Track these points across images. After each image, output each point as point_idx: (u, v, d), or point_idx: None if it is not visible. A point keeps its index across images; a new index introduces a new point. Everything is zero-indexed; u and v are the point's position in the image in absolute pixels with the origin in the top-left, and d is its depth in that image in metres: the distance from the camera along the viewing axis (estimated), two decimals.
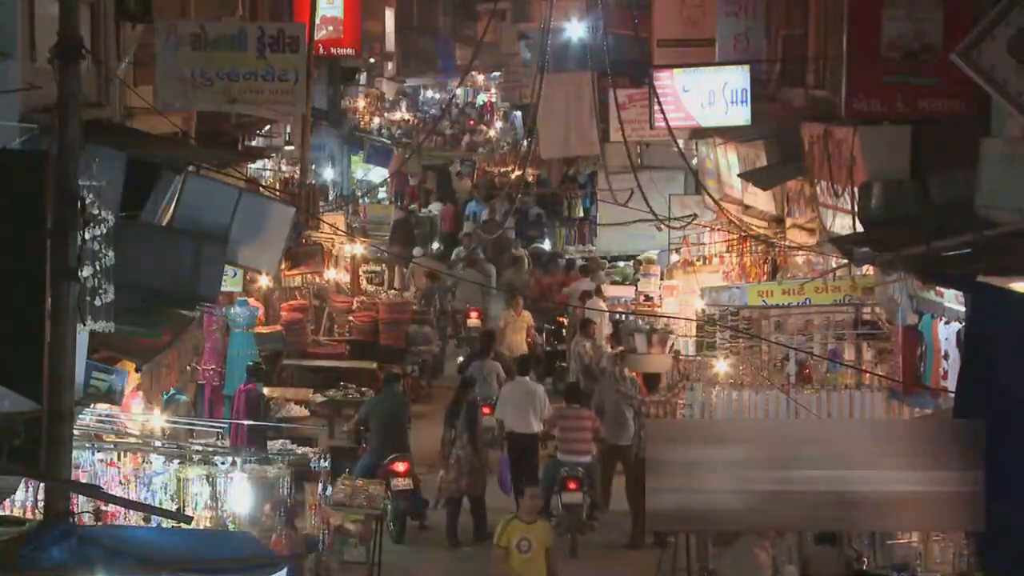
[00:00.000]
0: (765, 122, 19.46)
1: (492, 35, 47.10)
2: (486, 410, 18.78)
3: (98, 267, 9.88)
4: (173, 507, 12.34)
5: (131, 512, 11.63)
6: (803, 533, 13.38)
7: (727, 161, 21.10)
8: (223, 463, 12.83)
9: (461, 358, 24.90)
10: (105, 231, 9.82)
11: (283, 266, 20.56)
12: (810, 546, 13.46)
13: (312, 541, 14.27)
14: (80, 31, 9.15)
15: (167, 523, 10.23)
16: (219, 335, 20.13)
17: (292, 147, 27.66)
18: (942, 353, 12.80)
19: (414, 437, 18.45)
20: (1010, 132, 12.47)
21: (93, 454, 12.34)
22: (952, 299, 12.07)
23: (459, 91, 52.92)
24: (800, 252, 17.82)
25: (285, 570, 9.25)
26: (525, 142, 31.42)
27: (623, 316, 23.50)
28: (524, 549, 13.94)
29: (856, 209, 14.42)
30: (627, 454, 17.72)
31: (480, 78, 60.52)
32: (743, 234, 19.57)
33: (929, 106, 14.02)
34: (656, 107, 20.67)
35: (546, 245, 34.02)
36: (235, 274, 18.70)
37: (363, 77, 40.09)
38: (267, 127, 24.97)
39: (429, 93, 58.99)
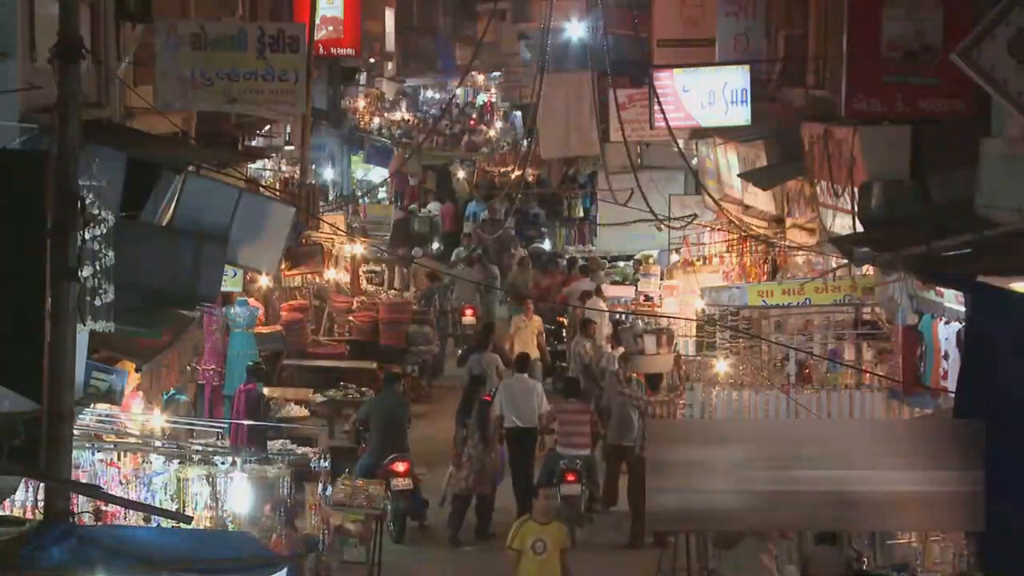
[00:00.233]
0: (765, 122, 19.46)
1: (492, 35, 47.08)
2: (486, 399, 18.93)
3: (98, 267, 9.88)
4: (173, 507, 12.33)
5: (131, 512, 11.63)
6: (803, 533, 13.40)
7: (727, 161, 21.10)
8: (223, 463, 12.82)
9: (460, 351, 25.06)
10: (105, 231, 9.82)
11: (283, 266, 20.56)
12: (810, 546, 13.47)
13: (312, 541, 14.26)
14: (80, 31, 9.15)
15: (167, 523, 10.22)
16: (219, 335, 20.13)
17: (292, 147, 27.65)
18: (942, 353, 12.80)
19: (414, 437, 18.46)
20: (1010, 132, 12.47)
21: (93, 454, 12.34)
22: (952, 299, 12.07)
23: (459, 91, 52.89)
24: (800, 252, 17.82)
25: (285, 570, 9.25)
26: (525, 142, 31.42)
27: (623, 316, 23.50)
28: (539, 551, 13.79)
29: (856, 209, 14.41)
30: (631, 454, 17.76)
31: (480, 78, 60.49)
32: (743, 234, 19.57)
33: (929, 106, 14.02)
34: (656, 107, 20.68)
35: (546, 245, 34.04)
36: (235, 274, 18.69)
37: (363, 77, 40.06)
38: (267, 127, 24.96)
39: (429, 93, 58.95)
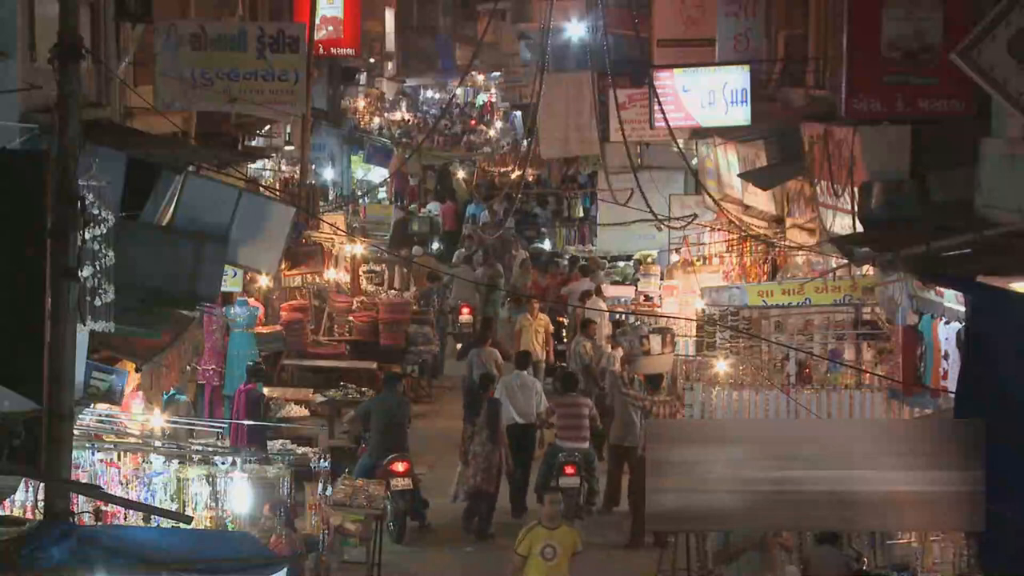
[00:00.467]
0: (765, 122, 19.46)
1: (492, 35, 47.09)
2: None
3: (98, 267, 9.89)
4: (173, 507, 12.33)
5: (131, 512, 11.63)
6: (803, 533, 13.39)
7: (727, 161, 21.09)
8: (223, 463, 12.82)
9: (459, 345, 25.14)
10: (105, 231, 9.83)
11: (283, 266, 20.56)
12: (810, 546, 13.47)
13: (312, 541, 14.26)
14: (80, 31, 9.15)
15: (167, 523, 10.22)
16: (219, 335, 20.13)
17: (292, 147, 27.66)
18: (942, 353, 12.80)
19: (414, 436, 18.46)
20: (1010, 132, 12.47)
21: (93, 454, 12.33)
22: (952, 299, 12.06)
23: (459, 91, 52.91)
24: (800, 252, 17.82)
25: (285, 570, 9.25)
26: (525, 142, 31.42)
27: (624, 316, 23.50)
28: (549, 556, 13.56)
29: (856, 209, 14.41)
30: (634, 455, 17.78)
31: (480, 78, 60.53)
32: (743, 234, 19.56)
33: (929, 106, 14.01)
34: (656, 107, 20.68)
35: (546, 245, 34.04)
36: (235, 274, 18.70)
37: (363, 77, 40.07)
38: (267, 127, 24.97)
39: (429, 93, 59.01)
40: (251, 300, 20.77)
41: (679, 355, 19.61)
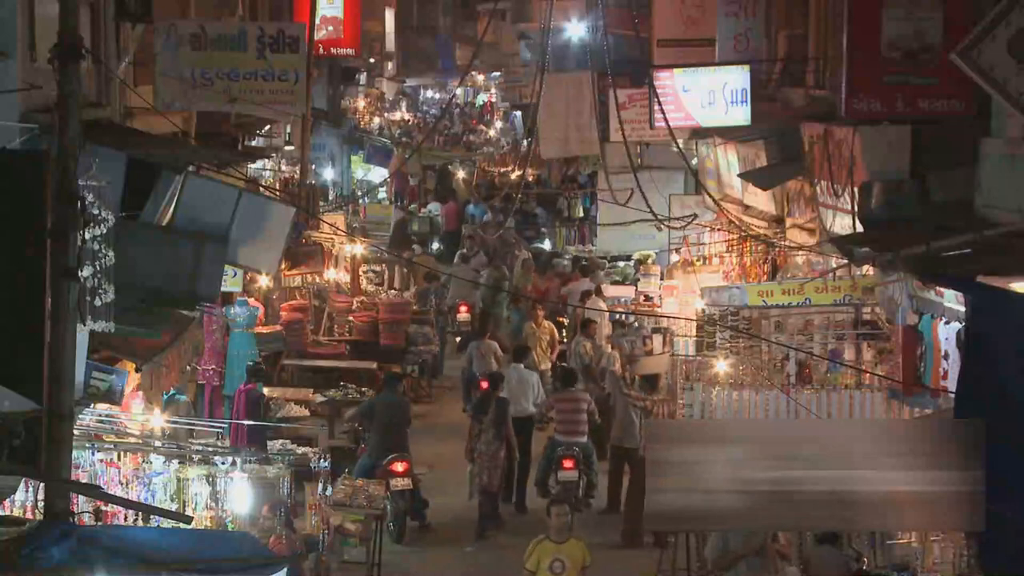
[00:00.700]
0: (765, 122, 19.45)
1: (492, 35, 47.09)
2: (484, 384, 19.21)
3: (98, 267, 9.89)
4: (173, 507, 12.33)
5: (131, 512, 11.63)
6: (803, 533, 13.39)
7: (727, 161, 21.09)
8: (223, 463, 12.83)
9: (459, 339, 25.20)
10: (105, 231, 9.83)
11: (283, 266, 20.56)
12: (810, 546, 13.46)
13: (312, 541, 14.27)
14: (80, 31, 9.14)
15: (167, 523, 10.22)
16: (219, 335, 20.13)
17: (292, 147, 27.66)
18: (942, 353, 12.79)
19: (413, 436, 18.47)
20: (1010, 132, 12.47)
21: (93, 454, 12.33)
22: (952, 299, 12.06)
23: (459, 91, 52.88)
24: (800, 252, 17.81)
25: (285, 570, 9.25)
26: (525, 142, 31.41)
27: (625, 317, 23.49)
28: (558, 571, 13.31)
29: (856, 209, 14.41)
30: (634, 456, 17.79)
31: (480, 78, 60.52)
32: (743, 234, 19.56)
33: (929, 106, 13.99)
34: (656, 107, 20.67)
35: (546, 245, 34.04)
36: (235, 274, 18.70)
37: (363, 77, 40.07)
38: (267, 127, 24.97)
39: (429, 93, 58.98)
40: (251, 300, 20.77)
41: (678, 355, 19.60)
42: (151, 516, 11.34)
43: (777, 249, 18.96)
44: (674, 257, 24.11)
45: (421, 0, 51.62)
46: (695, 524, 10.67)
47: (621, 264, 28.84)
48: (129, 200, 12.76)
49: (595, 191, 32.07)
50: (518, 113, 48.83)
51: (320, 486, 14.63)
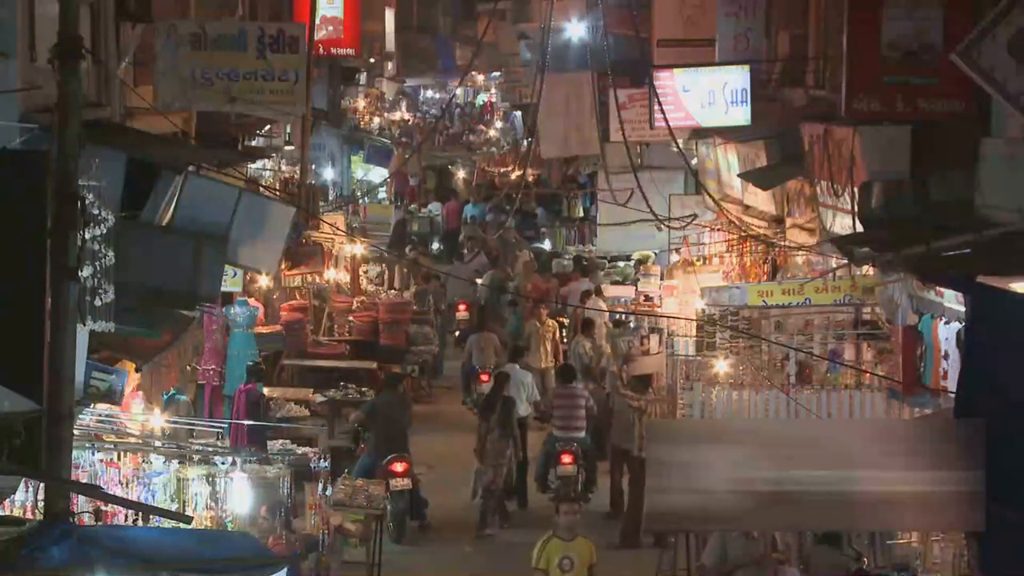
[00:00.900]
0: (765, 122, 19.46)
1: (492, 35, 47.04)
2: (484, 377, 19.19)
3: (98, 267, 9.89)
4: (173, 507, 12.33)
5: (131, 512, 11.63)
6: (803, 533, 13.38)
7: (727, 161, 21.09)
8: (223, 463, 12.82)
9: (458, 332, 25.23)
10: (105, 231, 9.83)
11: (283, 266, 20.56)
12: (810, 546, 13.45)
13: (312, 541, 14.26)
14: (80, 31, 9.14)
15: (167, 523, 10.22)
16: (219, 335, 20.14)
17: (292, 147, 27.66)
18: (942, 353, 12.79)
19: (413, 437, 18.48)
20: (1010, 132, 12.47)
21: (93, 454, 12.33)
22: (952, 299, 12.06)
23: (459, 91, 52.88)
24: (800, 252, 17.81)
25: (285, 570, 9.24)
26: (525, 142, 31.40)
27: (624, 317, 23.50)
28: (566, 568, 13.21)
29: (856, 209, 14.41)
30: (631, 457, 17.80)
31: (480, 78, 60.51)
32: (743, 234, 19.56)
33: (929, 106, 13.98)
34: (656, 107, 20.66)
35: (546, 245, 34.04)
36: (235, 274, 18.70)
37: (363, 77, 40.07)
38: (267, 127, 24.97)
39: (429, 93, 59.00)
40: (251, 300, 20.78)
41: (678, 355, 19.61)
42: (151, 516, 11.34)
43: (777, 249, 18.95)
44: (674, 257, 24.10)
45: (421, 0, 51.62)
46: (695, 524, 10.64)
47: (621, 264, 28.84)
48: (129, 200, 12.75)
49: (595, 191, 32.06)
50: (518, 113, 48.83)
51: (320, 486, 14.61)
